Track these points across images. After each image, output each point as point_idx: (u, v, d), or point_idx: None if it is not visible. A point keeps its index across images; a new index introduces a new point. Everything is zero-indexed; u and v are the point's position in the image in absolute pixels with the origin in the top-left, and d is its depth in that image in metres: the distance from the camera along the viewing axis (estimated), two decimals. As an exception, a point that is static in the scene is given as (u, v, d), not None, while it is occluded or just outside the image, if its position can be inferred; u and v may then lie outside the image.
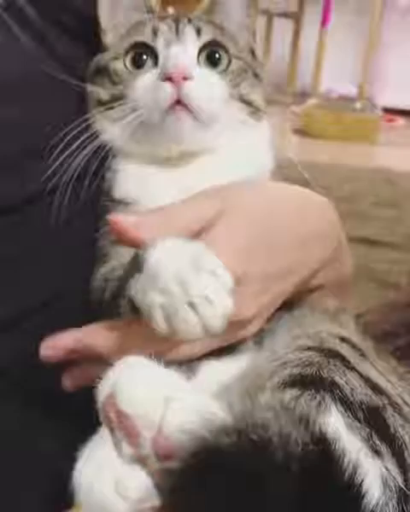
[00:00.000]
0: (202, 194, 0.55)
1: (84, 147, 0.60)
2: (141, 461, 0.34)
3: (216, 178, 0.61)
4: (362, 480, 0.35)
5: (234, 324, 0.48)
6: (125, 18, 0.67)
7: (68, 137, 0.59)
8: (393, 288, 1.37)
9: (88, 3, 0.68)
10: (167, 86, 0.58)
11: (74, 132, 0.60)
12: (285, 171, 0.70)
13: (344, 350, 0.48)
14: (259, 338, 0.56)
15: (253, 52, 0.71)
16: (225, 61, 0.64)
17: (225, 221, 0.53)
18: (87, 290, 0.58)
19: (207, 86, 0.61)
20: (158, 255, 0.45)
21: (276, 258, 0.56)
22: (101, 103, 0.63)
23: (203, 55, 0.63)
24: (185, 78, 0.58)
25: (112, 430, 0.35)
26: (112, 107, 0.61)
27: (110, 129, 0.62)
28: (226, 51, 0.64)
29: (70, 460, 0.39)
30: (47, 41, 0.69)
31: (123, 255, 0.58)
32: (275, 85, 4.93)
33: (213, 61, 0.63)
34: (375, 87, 4.49)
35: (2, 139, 0.60)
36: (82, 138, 0.60)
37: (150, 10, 0.68)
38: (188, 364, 0.51)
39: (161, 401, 0.35)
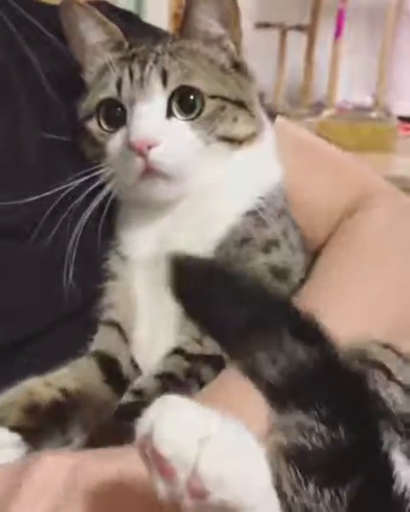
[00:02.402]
0: None
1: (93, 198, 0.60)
2: (177, 498, 0.34)
3: (208, 210, 0.61)
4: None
5: None
6: (92, 58, 0.65)
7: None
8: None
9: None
10: (135, 157, 0.57)
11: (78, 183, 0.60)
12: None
13: None
14: None
15: (238, 65, 0.66)
16: (198, 106, 0.60)
17: None
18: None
19: (176, 146, 0.59)
20: None
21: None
22: (88, 159, 0.63)
23: (174, 102, 0.60)
24: (151, 146, 0.57)
25: (149, 468, 0.35)
26: (98, 169, 0.61)
27: (106, 182, 0.61)
28: (199, 93, 0.60)
29: None
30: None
31: (116, 290, 0.59)
32: (290, 98, 4.94)
33: (184, 109, 0.61)
34: (390, 96, 4.49)
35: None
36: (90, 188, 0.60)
37: (117, 47, 0.64)
38: None
39: (196, 442, 0.34)
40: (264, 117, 0.68)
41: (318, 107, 4.45)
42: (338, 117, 3.67)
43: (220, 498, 0.33)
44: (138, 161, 0.58)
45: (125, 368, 0.58)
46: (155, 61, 0.61)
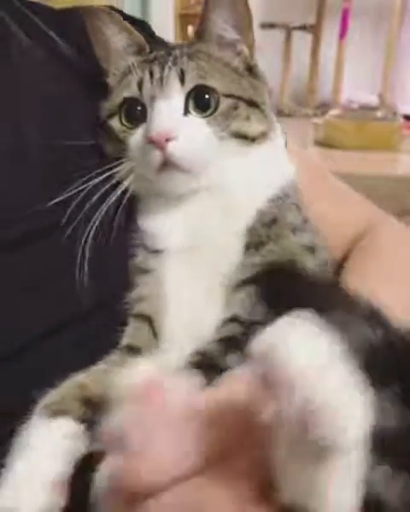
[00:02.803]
0: None
1: (112, 194, 0.62)
2: (284, 421, 0.33)
3: (224, 205, 0.64)
4: None
5: None
6: (116, 62, 0.69)
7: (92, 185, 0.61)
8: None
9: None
10: (154, 150, 0.61)
11: (97, 181, 0.62)
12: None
13: None
14: None
15: (251, 69, 0.70)
16: (213, 104, 0.64)
17: None
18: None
19: (193, 140, 0.62)
20: None
21: None
22: (110, 157, 0.65)
23: (191, 100, 0.64)
24: (169, 140, 0.60)
25: (264, 387, 0.34)
26: (120, 163, 0.64)
27: (125, 178, 0.64)
28: (215, 91, 0.64)
29: None
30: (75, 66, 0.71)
31: (148, 282, 0.61)
32: (296, 98, 4.95)
33: (200, 106, 0.64)
34: (395, 95, 4.49)
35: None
36: (106, 187, 0.62)
37: (141, 49, 0.69)
38: None
39: (317, 368, 0.33)
40: (274, 118, 0.71)
41: (323, 107, 4.45)
42: (344, 116, 3.67)
43: (329, 427, 0.32)
44: (157, 154, 0.61)
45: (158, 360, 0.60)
46: (174, 63, 0.65)
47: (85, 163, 0.64)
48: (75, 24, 0.76)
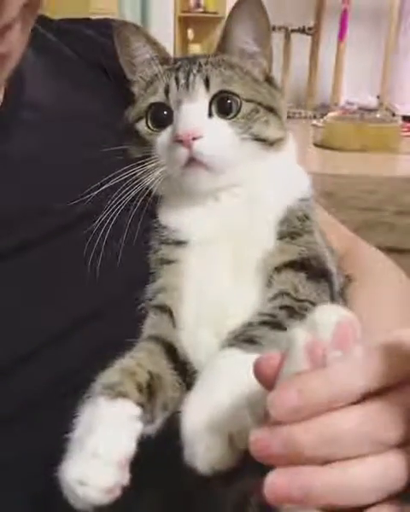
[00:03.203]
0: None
1: (128, 193, 0.64)
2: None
3: (251, 201, 0.67)
4: None
5: None
6: (141, 71, 0.72)
7: (114, 184, 0.63)
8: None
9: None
10: (180, 148, 0.64)
11: (118, 181, 0.64)
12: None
13: None
14: None
15: (269, 80, 0.74)
16: (235, 108, 0.67)
17: None
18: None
19: (217, 140, 0.65)
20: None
21: None
22: (134, 160, 0.67)
23: (215, 104, 0.67)
24: (195, 138, 0.64)
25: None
26: (144, 164, 0.66)
27: (146, 178, 0.66)
28: (237, 96, 0.67)
29: None
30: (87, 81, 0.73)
31: (169, 273, 0.64)
32: (295, 100, 4.97)
33: (223, 110, 0.67)
34: (394, 97, 4.51)
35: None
36: (126, 188, 0.64)
37: (164, 61, 0.72)
38: None
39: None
40: (288, 127, 0.74)
41: (322, 109, 4.47)
42: (343, 118, 3.69)
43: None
44: (183, 152, 0.64)
45: (181, 351, 0.62)
46: (199, 70, 0.69)
47: (108, 166, 0.65)
48: (78, 35, 0.78)
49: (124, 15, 3.98)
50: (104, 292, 0.62)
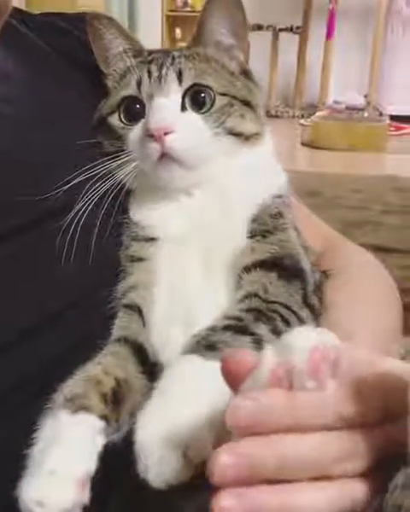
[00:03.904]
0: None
1: (101, 187, 0.63)
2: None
3: (224, 197, 0.66)
4: None
5: None
6: (114, 64, 0.71)
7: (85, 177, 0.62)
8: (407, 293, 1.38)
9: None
10: (152, 143, 0.63)
11: (91, 175, 0.63)
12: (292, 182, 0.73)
13: None
14: None
15: (246, 73, 0.72)
16: (209, 101, 0.66)
17: None
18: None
19: (190, 135, 0.64)
20: None
21: None
22: (108, 153, 0.66)
23: (188, 97, 0.66)
24: (167, 133, 0.62)
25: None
26: (117, 158, 0.65)
27: (119, 172, 0.65)
28: (211, 90, 0.66)
29: None
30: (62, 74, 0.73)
31: (140, 271, 0.63)
32: (283, 99, 4.98)
33: (196, 104, 0.66)
34: (382, 96, 4.53)
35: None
36: (99, 182, 0.63)
37: (138, 54, 0.70)
38: None
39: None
40: (265, 121, 0.73)
41: (310, 108, 4.48)
42: (331, 117, 3.70)
43: None
44: (155, 147, 0.63)
45: (150, 351, 0.61)
46: (172, 63, 0.67)
47: (82, 160, 0.65)
48: (52, 28, 0.77)
49: (111, 14, 3.96)
50: (77, 286, 0.62)
